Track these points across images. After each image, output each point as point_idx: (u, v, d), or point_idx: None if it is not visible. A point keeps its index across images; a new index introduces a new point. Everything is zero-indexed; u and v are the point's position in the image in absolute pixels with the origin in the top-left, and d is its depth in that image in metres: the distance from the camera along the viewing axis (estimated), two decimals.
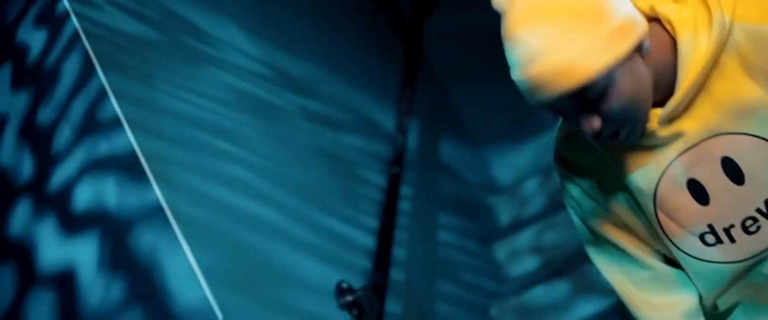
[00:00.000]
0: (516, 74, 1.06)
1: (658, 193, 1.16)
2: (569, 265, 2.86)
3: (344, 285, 1.86)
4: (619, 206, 1.23)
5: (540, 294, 2.80)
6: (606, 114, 1.03)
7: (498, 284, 3.05)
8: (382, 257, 1.92)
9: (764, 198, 1.13)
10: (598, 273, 2.72)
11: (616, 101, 1.02)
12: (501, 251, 3.23)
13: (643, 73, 1.05)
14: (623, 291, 1.31)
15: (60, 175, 1.54)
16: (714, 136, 1.11)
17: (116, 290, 1.52)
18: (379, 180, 2.49)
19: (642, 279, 1.28)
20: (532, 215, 3.41)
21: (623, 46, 1.01)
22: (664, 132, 1.11)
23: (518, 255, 3.20)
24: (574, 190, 1.30)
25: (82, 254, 1.53)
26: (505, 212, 3.55)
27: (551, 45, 1.01)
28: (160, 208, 1.44)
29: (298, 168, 1.99)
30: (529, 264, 3.16)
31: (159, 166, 1.48)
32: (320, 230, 1.96)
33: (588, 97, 1.02)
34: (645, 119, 1.08)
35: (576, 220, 1.35)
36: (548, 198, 3.44)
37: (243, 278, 1.56)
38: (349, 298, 1.84)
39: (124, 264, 1.50)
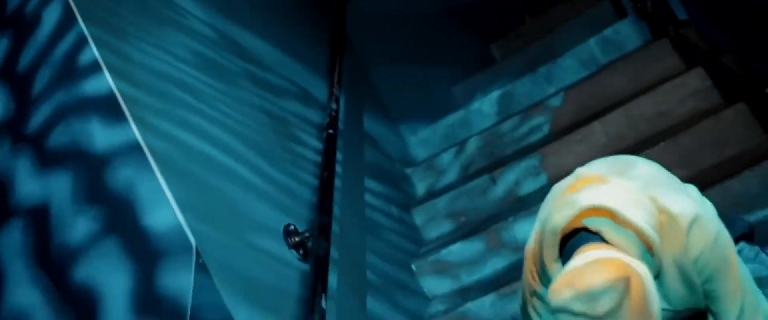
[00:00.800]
0: None
1: None
2: (482, 226, 3.15)
3: (291, 227, 2.08)
4: None
5: (456, 250, 3.08)
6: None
7: (417, 246, 3.32)
8: (324, 203, 2.14)
9: None
10: (508, 232, 3.04)
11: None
12: (419, 217, 3.49)
13: None
14: None
15: (39, 115, 1.68)
16: None
17: (91, 222, 1.67)
18: (315, 142, 2.71)
19: None
20: (447, 184, 3.69)
21: None
22: None
23: (434, 220, 3.47)
24: None
25: (57, 188, 1.67)
26: (421, 182, 3.83)
27: None
28: (138, 146, 1.61)
29: (249, 125, 2.18)
30: (444, 227, 3.44)
31: (135, 109, 1.65)
32: (269, 179, 2.16)
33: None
34: None
35: None
36: (460, 169, 3.74)
37: (209, 212, 1.74)
38: (297, 239, 2.06)
39: (100, 198, 1.66)
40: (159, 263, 1.62)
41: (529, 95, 3.92)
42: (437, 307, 2.93)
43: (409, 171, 3.85)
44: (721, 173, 2.68)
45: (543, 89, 3.93)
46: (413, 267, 3.09)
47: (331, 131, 2.57)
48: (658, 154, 2.80)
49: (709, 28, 3.45)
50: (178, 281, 1.61)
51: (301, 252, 2.07)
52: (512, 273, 2.85)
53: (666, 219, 1.53)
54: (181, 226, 1.60)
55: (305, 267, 2.06)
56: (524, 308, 1.83)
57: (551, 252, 1.56)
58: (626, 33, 3.84)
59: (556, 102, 3.59)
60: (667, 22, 3.45)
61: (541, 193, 3.00)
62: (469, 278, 3.05)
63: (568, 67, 3.86)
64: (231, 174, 1.93)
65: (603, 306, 1.32)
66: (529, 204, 3.09)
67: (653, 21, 3.64)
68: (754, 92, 2.90)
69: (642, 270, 1.38)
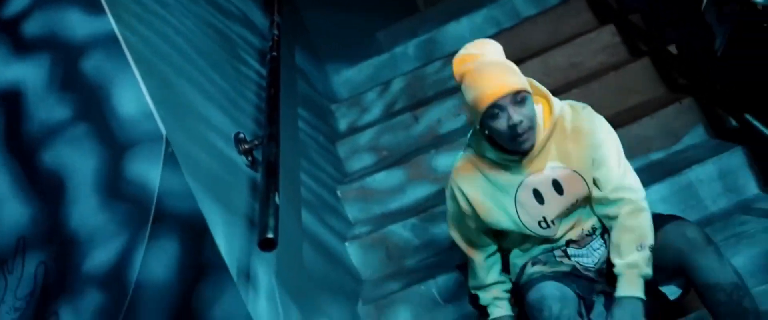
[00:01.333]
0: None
1: (517, 199, 2.04)
2: (404, 159, 3.36)
3: (241, 135, 2.22)
4: (494, 212, 2.07)
5: (379, 179, 3.28)
6: (524, 114, 1.88)
7: (341, 175, 3.50)
8: (272, 116, 2.29)
9: (571, 203, 2.03)
10: (429, 164, 3.24)
11: (529, 104, 1.90)
12: (342, 149, 3.67)
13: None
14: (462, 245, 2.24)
15: (15, 4, 1.74)
16: (549, 167, 2.01)
17: (64, 108, 1.76)
18: (256, 65, 2.83)
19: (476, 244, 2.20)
20: (370, 121, 3.88)
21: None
22: (528, 160, 1.99)
23: (357, 153, 3.65)
24: (461, 196, 2.12)
25: (31, 75, 1.75)
26: (344, 118, 3.99)
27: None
28: (115, 38, 1.71)
29: (205, 42, 2.29)
30: (366, 160, 3.63)
31: (113, 6, 1.74)
32: (221, 90, 2.29)
33: (520, 98, 1.87)
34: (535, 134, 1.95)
35: (454, 210, 2.19)
36: (384, 107, 3.93)
37: (175, 108, 1.86)
38: (246, 146, 2.21)
39: (74, 86, 1.75)
40: (129, 150, 1.74)
41: (452, 42, 4.13)
42: (360, 229, 3.13)
43: (333, 107, 4.00)
44: (624, 119, 2.98)
45: (465, 38, 4.14)
46: (338, 192, 3.27)
47: (274, 54, 2.70)
48: (570, 98, 3.07)
49: None
50: (147, 168, 1.74)
51: (249, 158, 2.22)
52: (432, 200, 3.09)
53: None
54: (152, 116, 1.72)
55: (252, 173, 2.22)
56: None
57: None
58: None
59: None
60: None
61: (461, 132, 3.25)
62: (390, 205, 3.26)
63: (491, 18, 4.10)
64: (191, 79, 2.04)
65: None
66: (449, 140, 3.32)
67: None
68: (658, 49, 3.22)
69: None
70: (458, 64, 1.96)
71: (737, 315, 1.92)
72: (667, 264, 2.02)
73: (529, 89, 1.93)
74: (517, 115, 1.88)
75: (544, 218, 2.05)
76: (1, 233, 1.78)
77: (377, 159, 3.61)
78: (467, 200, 2.10)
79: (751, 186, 2.63)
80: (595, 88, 3.19)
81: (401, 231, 2.98)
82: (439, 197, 3.10)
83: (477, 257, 2.22)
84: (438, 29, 4.24)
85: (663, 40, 3.23)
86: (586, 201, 2.09)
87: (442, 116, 3.57)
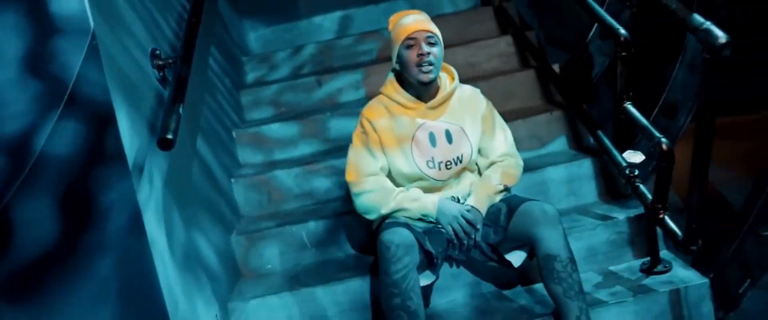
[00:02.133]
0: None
1: (414, 136, 2.48)
2: (301, 116, 3.60)
3: (158, 52, 2.42)
4: (395, 146, 2.49)
5: (274, 129, 3.51)
6: (432, 51, 2.38)
7: (240, 121, 3.71)
8: (189, 39, 2.50)
9: (457, 155, 2.47)
10: (323, 125, 3.49)
11: (438, 48, 2.38)
12: (245, 98, 3.87)
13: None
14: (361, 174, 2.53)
15: None
16: (445, 120, 2.49)
17: None
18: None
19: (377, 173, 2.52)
20: (277, 78, 4.10)
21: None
22: (429, 109, 2.47)
23: (258, 104, 3.86)
24: (370, 127, 2.52)
25: None
26: (253, 71, 4.19)
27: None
28: None
29: None
30: (266, 112, 3.85)
31: None
32: (148, 8, 2.47)
33: (431, 40, 2.37)
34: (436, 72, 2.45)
35: (365, 151, 2.52)
36: (292, 68, 4.16)
37: (105, 10, 2.05)
38: (160, 62, 2.41)
39: None
40: (56, 35, 1.91)
41: (367, 22, 4.42)
42: (247, 171, 3.36)
43: (244, 58, 4.20)
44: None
45: (380, 21, 4.43)
46: (234, 134, 3.48)
47: None
48: None
49: (524, 9, 4.15)
50: (70, 55, 1.92)
51: (161, 74, 2.42)
52: (319, 157, 3.35)
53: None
54: (85, 11, 1.91)
55: (160, 88, 2.41)
56: None
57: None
58: None
59: (388, 33, 4.10)
60: None
61: (358, 104, 3.53)
62: (280, 154, 3.50)
63: (408, 8, 4.39)
64: None
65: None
66: (346, 108, 3.59)
67: None
68: (542, 65, 3.61)
69: None
70: (393, 16, 2.57)
71: (567, 284, 2.30)
72: (520, 233, 2.39)
73: (440, 37, 2.46)
74: (427, 48, 2.40)
75: (432, 158, 2.49)
76: None
77: (276, 112, 3.84)
78: (375, 131, 2.49)
79: (591, 194, 3.04)
80: (483, 87, 3.48)
81: (285, 178, 3.23)
82: (325, 155, 3.38)
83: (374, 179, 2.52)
84: (356, 8, 4.51)
85: (546, 57, 3.63)
86: (465, 168, 2.52)
87: (344, 86, 3.84)
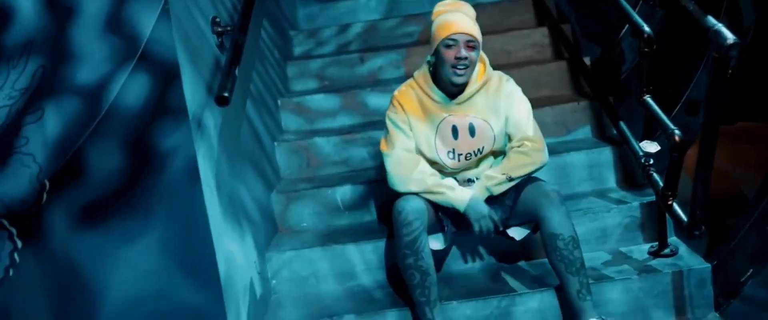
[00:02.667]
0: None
1: (439, 128, 2.62)
2: (342, 90, 3.84)
3: (218, 19, 2.67)
4: (420, 131, 2.63)
5: (317, 100, 3.76)
6: (470, 56, 2.48)
7: (285, 90, 3.96)
8: (246, 11, 2.74)
9: (478, 147, 2.61)
10: (362, 99, 3.71)
11: (476, 52, 2.49)
12: (291, 70, 4.11)
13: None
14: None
15: None
16: (471, 116, 2.60)
17: None
18: None
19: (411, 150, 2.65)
20: (323, 53, 4.33)
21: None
22: (455, 104, 2.61)
23: (303, 76, 4.10)
24: (403, 116, 2.65)
25: None
26: (300, 45, 4.43)
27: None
28: None
29: None
30: (310, 84, 4.10)
31: None
32: None
33: (471, 44, 2.47)
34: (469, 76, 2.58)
35: (396, 127, 2.66)
36: (337, 45, 4.38)
37: None
38: (219, 29, 2.65)
39: None
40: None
41: (412, 6, 4.62)
42: (289, 136, 3.61)
43: (292, 33, 4.44)
44: (531, 105, 3.53)
45: (424, 6, 4.64)
46: (279, 102, 3.73)
47: None
48: None
49: (563, 2, 4.32)
50: (144, 17, 2.17)
51: (219, 40, 2.67)
52: (357, 128, 3.59)
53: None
54: None
55: (218, 53, 2.67)
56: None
57: None
58: None
59: (430, 18, 4.31)
60: None
61: (397, 81, 3.74)
62: (321, 124, 3.75)
63: None
64: None
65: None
66: (384, 85, 3.82)
67: None
68: (574, 57, 3.79)
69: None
70: (440, 6, 2.63)
71: (569, 261, 2.50)
72: (524, 210, 2.60)
73: (480, 40, 2.55)
74: (465, 51, 2.49)
75: (453, 149, 2.64)
76: (16, 34, 2.17)
77: (319, 85, 4.07)
78: (405, 112, 2.63)
79: (610, 180, 3.23)
80: (515, 74, 3.67)
81: (324, 145, 3.48)
82: (363, 127, 3.61)
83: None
84: None
85: (579, 50, 3.80)
86: (488, 155, 2.68)
87: (385, 64, 4.06)
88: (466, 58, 2.49)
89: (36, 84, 2.18)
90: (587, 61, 3.78)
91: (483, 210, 2.55)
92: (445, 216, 2.66)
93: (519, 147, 2.63)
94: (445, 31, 2.51)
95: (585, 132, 3.49)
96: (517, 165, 2.60)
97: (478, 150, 2.65)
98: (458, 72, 2.52)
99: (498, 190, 2.59)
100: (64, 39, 2.18)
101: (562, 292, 2.60)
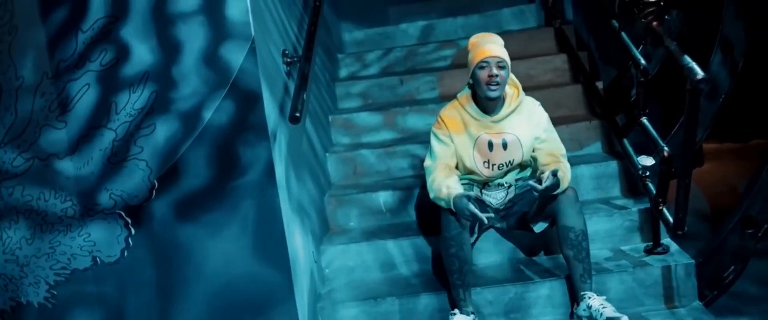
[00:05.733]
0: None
1: (476, 142, 3.13)
2: (384, 108, 4.41)
3: (287, 51, 3.26)
4: (461, 144, 3.14)
5: (362, 117, 4.33)
6: (500, 74, 3.00)
7: (334, 108, 4.54)
8: (309, 44, 3.33)
9: (509, 159, 3.14)
10: (402, 117, 4.28)
11: (505, 71, 3.02)
12: (339, 90, 4.70)
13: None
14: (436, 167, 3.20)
15: None
16: (505, 134, 3.12)
17: (195, 2, 2.77)
18: (301, 7, 3.85)
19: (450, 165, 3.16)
20: (367, 74, 4.91)
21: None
22: (492, 122, 3.12)
23: (350, 96, 4.68)
24: (445, 131, 3.17)
25: None
26: (346, 67, 5.02)
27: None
28: None
29: None
30: (355, 102, 4.67)
31: None
32: (282, 19, 3.31)
33: (501, 64, 3.00)
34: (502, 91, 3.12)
35: (438, 141, 3.20)
36: (380, 67, 4.96)
37: (260, 20, 2.88)
38: (288, 59, 3.24)
39: None
40: (227, 39, 2.75)
41: (446, 32, 5.20)
42: (339, 148, 4.19)
43: (340, 56, 5.02)
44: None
45: (457, 33, 5.20)
46: (330, 118, 4.32)
47: (317, 3, 3.73)
48: None
49: (583, 30, 4.85)
50: (235, 54, 2.76)
51: (287, 68, 3.25)
52: (396, 142, 4.14)
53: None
54: (248, 23, 2.74)
55: (286, 78, 3.25)
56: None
57: None
58: (529, 14, 5.20)
59: (463, 43, 4.87)
60: (556, 16, 4.81)
61: (432, 101, 4.30)
62: (365, 138, 4.32)
63: (481, 24, 5.16)
64: (271, 7, 3.07)
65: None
66: (420, 105, 4.37)
67: (548, 12, 4.99)
68: (589, 82, 4.32)
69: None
70: (474, 38, 3.18)
71: (577, 250, 3.03)
72: (544, 208, 3.13)
73: (509, 62, 3.08)
74: (496, 70, 3.04)
75: (488, 160, 3.19)
76: (136, 67, 2.78)
77: (363, 104, 4.65)
78: (448, 128, 3.19)
79: (615, 189, 3.75)
80: (536, 96, 4.23)
81: (368, 156, 4.05)
82: (401, 141, 4.17)
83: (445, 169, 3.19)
84: (438, 19, 5.29)
85: (594, 76, 4.33)
86: (517, 166, 3.24)
87: (421, 86, 4.62)
88: (497, 76, 3.02)
89: (150, 105, 2.78)
90: (601, 84, 4.31)
91: (461, 207, 2.95)
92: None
93: (563, 163, 3.13)
94: (479, 57, 3.05)
95: (596, 147, 4.02)
96: (567, 178, 3.10)
97: (510, 162, 3.20)
98: (492, 88, 3.05)
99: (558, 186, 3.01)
100: (172, 69, 2.77)
101: (568, 278, 3.12)
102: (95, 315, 2.90)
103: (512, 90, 3.20)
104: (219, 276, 2.85)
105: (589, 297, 2.98)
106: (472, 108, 3.19)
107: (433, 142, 3.22)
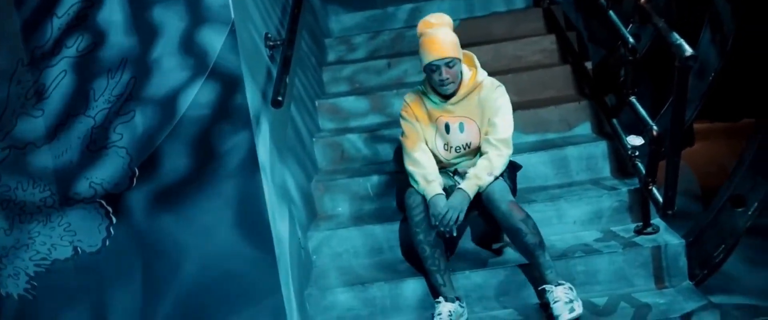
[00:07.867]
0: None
1: (436, 124, 3.12)
2: (371, 92, 4.35)
3: (269, 35, 3.20)
4: (424, 128, 3.15)
5: (349, 101, 4.28)
6: (451, 74, 2.93)
7: (321, 92, 4.49)
8: (292, 27, 3.27)
9: (466, 142, 3.12)
10: (389, 101, 4.23)
11: (457, 66, 2.96)
12: (326, 75, 4.64)
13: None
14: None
15: None
16: (461, 116, 3.08)
17: None
18: None
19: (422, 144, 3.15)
20: (354, 58, 4.85)
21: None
22: (449, 105, 3.09)
23: (337, 80, 4.63)
24: (412, 114, 3.17)
25: None
26: (333, 51, 4.96)
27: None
28: None
29: None
30: (342, 87, 4.62)
31: None
32: (260, 5, 3.26)
33: (450, 64, 2.92)
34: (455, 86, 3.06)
35: (407, 122, 3.21)
36: (368, 51, 4.90)
37: (240, 3, 2.82)
38: (270, 43, 3.19)
39: None
40: (206, 23, 2.70)
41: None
42: (325, 133, 4.14)
43: (327, 41, 4.96)
44: (537, 104, 4.03)
45: (446, 14, 5.13)
46: (316, 103, 4.26)
47: None
48: (505, 80, 4.10)
49: (571, 11, 4.80)
50: (215, 37, 2.71)
51: (270, 52, 3.20)
52: (383, 127, 4.09)
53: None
54: (228, 6, 2.68)
55: (269, 62, 3.20)
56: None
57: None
58: None
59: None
60: None
61: (421, 85, 4.22)
62: (352, 122, 4.27)
63: (469, 5, 5.10)
64: None
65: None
66: (409, 88, 4.28)
67: None
68: (578, 62, 4.27)
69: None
70: (421, 25, 3.06)
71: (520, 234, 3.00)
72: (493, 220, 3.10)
73: (460, 57, 3.01)
74: (446, 74, 3.00)
75: (446, 143, 3.17)
76: (113, 53, 2.72)
77: (351, 88, 4.60)
78: (413, 113, 3.17)
79: (604, 170, 3.71)
80: (525, 77, 4.23)
81: (355, 141, 4.00)
82: (388, 126, 4.12)
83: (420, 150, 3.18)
84: (426, 2, 5.22)
85: (582, 56, 4.29)
86: (474, 151, 3.18)
87: (409, 69, 4.57)
88: (448, 78, 3.00)
89: (129, 91, 2.73)
90: (590, 64, 4.26)
91: (438, 208, 2.98)
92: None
93: (495, 154, 3.08)
94: (427, 58, 2.99)
95: (585, 128, 3.98)
96: (498, 165, 3.07)
97: (467, 144, 3.17)
98: (445, 87, 3.04)
99: (484, 186, 3.06)
100: (149, 55, 2.72)
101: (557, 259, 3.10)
102: (77, 305, 2.86)
103: (470, 70, 3.15)
104: (202, 264, 2.81)
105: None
106: (431, 93, 3.16)
107: (403, 124, 3.23)
